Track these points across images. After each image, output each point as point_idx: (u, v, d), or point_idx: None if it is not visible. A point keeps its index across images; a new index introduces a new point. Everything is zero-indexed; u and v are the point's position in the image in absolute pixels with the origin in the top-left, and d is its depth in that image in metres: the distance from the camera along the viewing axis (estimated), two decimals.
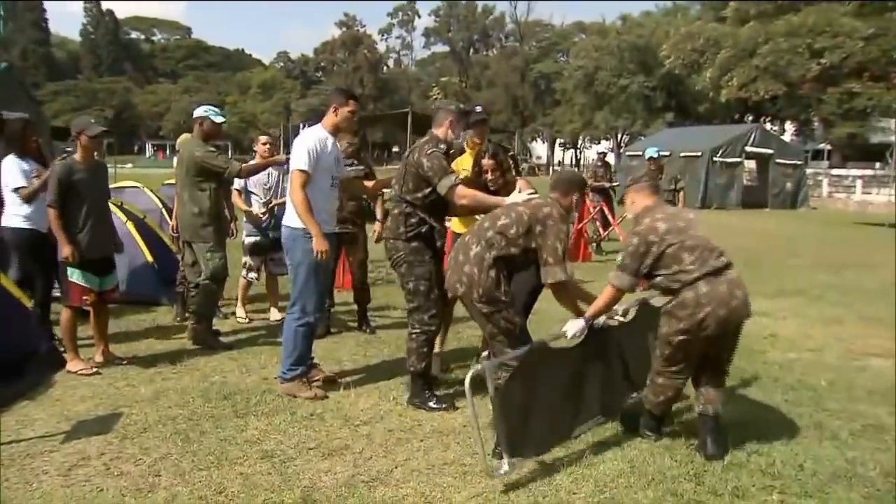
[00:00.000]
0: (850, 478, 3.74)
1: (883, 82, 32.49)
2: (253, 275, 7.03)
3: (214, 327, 6.33)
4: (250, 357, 5.78)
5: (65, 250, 5.16)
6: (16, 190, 5.63)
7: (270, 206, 6.87)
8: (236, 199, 6.84)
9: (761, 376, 5.51)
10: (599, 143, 67.81)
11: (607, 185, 12.91)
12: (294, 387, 4.89)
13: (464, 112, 4.97)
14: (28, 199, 5.62)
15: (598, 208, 13.04)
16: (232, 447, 4.01)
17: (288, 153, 6.45)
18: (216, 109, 6.21)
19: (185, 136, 7.44)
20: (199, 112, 6.12)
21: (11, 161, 5.71)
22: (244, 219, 7.02)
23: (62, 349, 5.47)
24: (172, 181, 7.35)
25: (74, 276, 5.25)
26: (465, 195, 4.55)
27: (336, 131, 5.00)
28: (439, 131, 4.79)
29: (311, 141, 4.78)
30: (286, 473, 3.70)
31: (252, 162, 6.45)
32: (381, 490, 3.55)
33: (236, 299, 7.16)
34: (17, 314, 5.30)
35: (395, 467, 3.81)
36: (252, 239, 6.96)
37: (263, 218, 6.86)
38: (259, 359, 5.73)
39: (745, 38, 35.14)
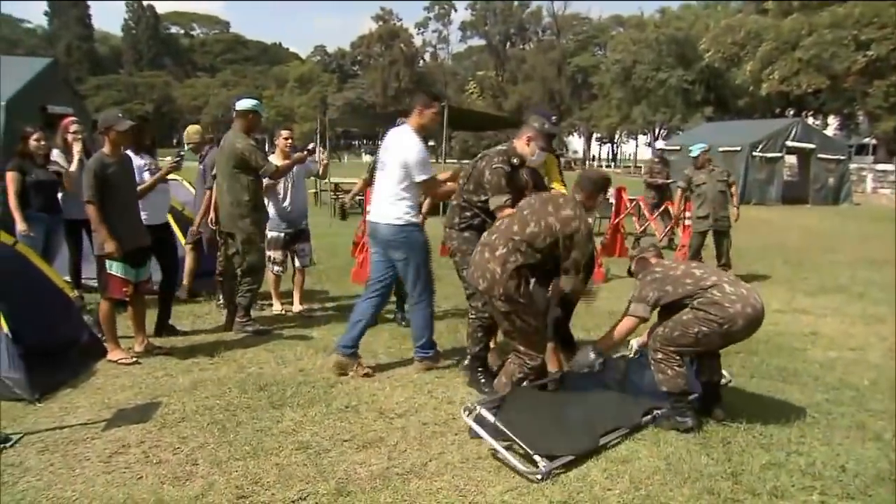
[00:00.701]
0: (895, 480, 3.65)
1: None
2: (278, 268, 7.05)
3: (252, 319, 6.40)
4: (286, 349, 5.83)
5: (108, 246, 5.19)
6: None
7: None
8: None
9: (801, 375, 5.41)
10: (637, 137, 67.23)
11: (661, 181, 12.65)
12: (434, 361, 5.39)
13: (548, 134, 4.95)
14: (139, 197, 5.77)
15: (634, 203, 12.89)
16: (268, 438, 4.06)
17: (323, 146, 6.55)
18: (261, 104, 6.37)
19: (192, 127, 7.49)
20: (246, 105, 6.19)
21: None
22: (269, 211, 6.85)
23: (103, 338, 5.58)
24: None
25: (113, 268, 5.30)
26: None
27: (422, 131, 5.20)
28: (517, 143, 4.92)
29: (422, 148, 5.07)
30: (321, 465, 3.73)
31: (276, 160, 6.52)
32: (415, 483, 3.56)
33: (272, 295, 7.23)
34: (60, 304, 5.42)
35: (430, 460, 3.81)
36: (273, 234, 6.90)
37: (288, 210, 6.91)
38: (295, 350, 5.78)
39: (788, 30, 34.46)
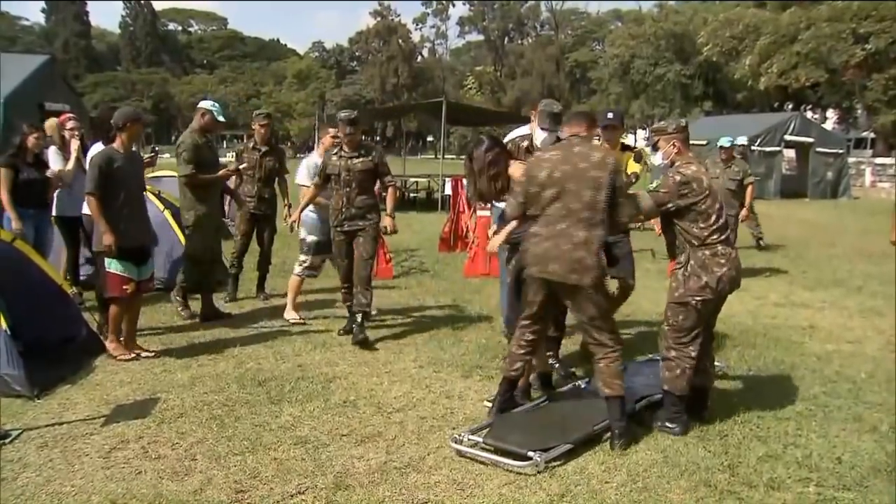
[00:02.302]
0: (891, 471, 3.67)
1: None
2: (310, 272, 6.57)
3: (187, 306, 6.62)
4: (284, 344, 5.84)
5: (105, 239, 5.10)
6: None
7: None
8: (305, 193, 6.29)
9: (799, 368, 5.42)
10: (635, 132, 67.14)
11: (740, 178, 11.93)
12: None
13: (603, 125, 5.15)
14: None
15: None
16: (266, 433, 4.07)
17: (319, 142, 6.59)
18: (219, 107, 6.56)
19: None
20: (204, 105, 6.47)
21: (97, 149, 5.84)
22: (308, 213, 6.40)
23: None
24: None
25: (112, 266, 5.21)
26: None
27: None
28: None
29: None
30: (319, 459, 3.74)
31: (315, 158, 6.51)
32: (413, 476, 3.57)
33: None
34: (59, 300, 5.42)
35: (428, 454, 3.83)
36: (313, 238, 6.47)
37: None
38: (293, 346, 5.79)
39: (786, 23, 34.36)
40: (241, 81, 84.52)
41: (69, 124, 6.66)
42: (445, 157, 24.96)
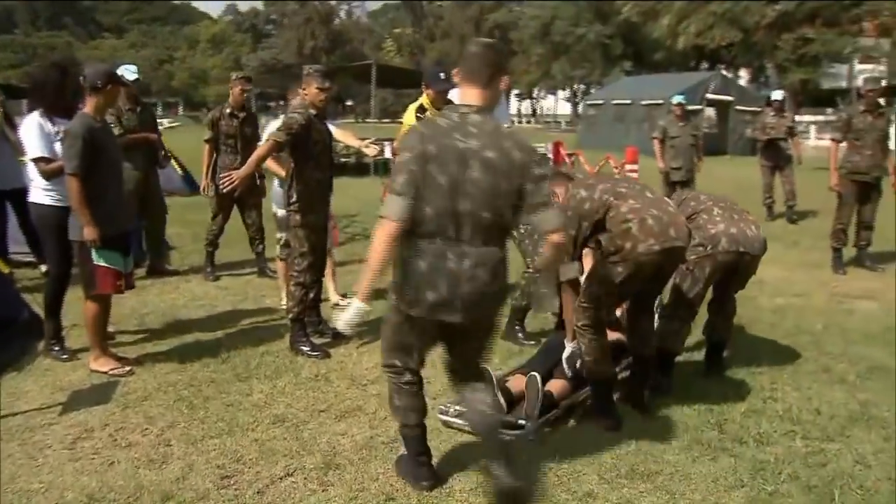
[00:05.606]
0: (867, 419, 3.78)
1: (835, 28, 32.82)
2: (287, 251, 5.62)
3: None
4: (241, 317, 5.61)
5: (88, 233, 4.21)
6: (35, 161, 4.59)
7: None
8: (270, 164, 5.29)
9: (758, 322, 5.56)
10: (556, 93, 67.65)
11: (777, 136, 11.39)
12: None
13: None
14: (49, 177, 4.55)
15: (573, 158, 12.93)
16: (240, 412, 3.88)
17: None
18: (133, 68, 6.33)
19: None
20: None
21: (32, 121, 4.65)
22: (274, 185, 5.80)
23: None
24: None
25: (102, 259, 4.33)
26: None
27: None
28: None
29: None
30: (302, 438, 3.60)
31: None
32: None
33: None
34: None
35: None
36: (280, 212, 5.65)
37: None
38: (251, 319, 5.57)
39: None
40: (153, 46, 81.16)
41: None
42: (367, 121, 24.53)
